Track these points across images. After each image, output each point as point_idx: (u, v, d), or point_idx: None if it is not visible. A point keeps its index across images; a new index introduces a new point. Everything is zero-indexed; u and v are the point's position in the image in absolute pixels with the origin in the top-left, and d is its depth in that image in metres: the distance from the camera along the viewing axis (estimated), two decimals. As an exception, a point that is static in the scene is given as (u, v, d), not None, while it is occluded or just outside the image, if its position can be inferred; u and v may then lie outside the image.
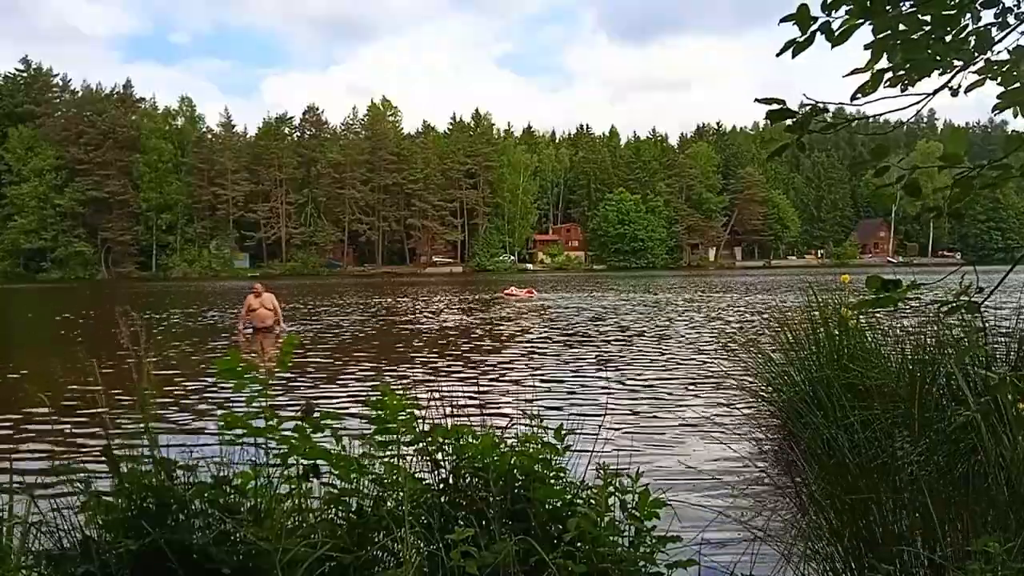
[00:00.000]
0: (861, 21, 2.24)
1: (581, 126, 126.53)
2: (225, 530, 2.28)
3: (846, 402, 3.77)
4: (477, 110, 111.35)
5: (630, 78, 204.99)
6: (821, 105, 2.22)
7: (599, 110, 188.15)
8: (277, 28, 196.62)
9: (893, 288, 2.12)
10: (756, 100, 2.18)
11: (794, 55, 2.29)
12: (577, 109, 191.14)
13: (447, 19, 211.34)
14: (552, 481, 2.52)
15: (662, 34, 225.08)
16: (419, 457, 2.61)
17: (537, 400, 7.63)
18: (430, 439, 2.60)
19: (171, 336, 15.55)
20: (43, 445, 6.02)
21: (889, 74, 2.36)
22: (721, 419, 6.58)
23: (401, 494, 2.39)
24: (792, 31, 2.28)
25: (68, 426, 6.55)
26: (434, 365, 10.96)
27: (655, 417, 7.01)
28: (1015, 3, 2.38)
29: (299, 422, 2.49)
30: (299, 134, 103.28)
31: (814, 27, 2.22)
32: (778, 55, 2.30)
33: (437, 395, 2.97)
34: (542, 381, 9.22)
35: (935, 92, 2.40)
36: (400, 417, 2.57)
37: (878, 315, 5.30)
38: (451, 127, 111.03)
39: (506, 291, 32.17)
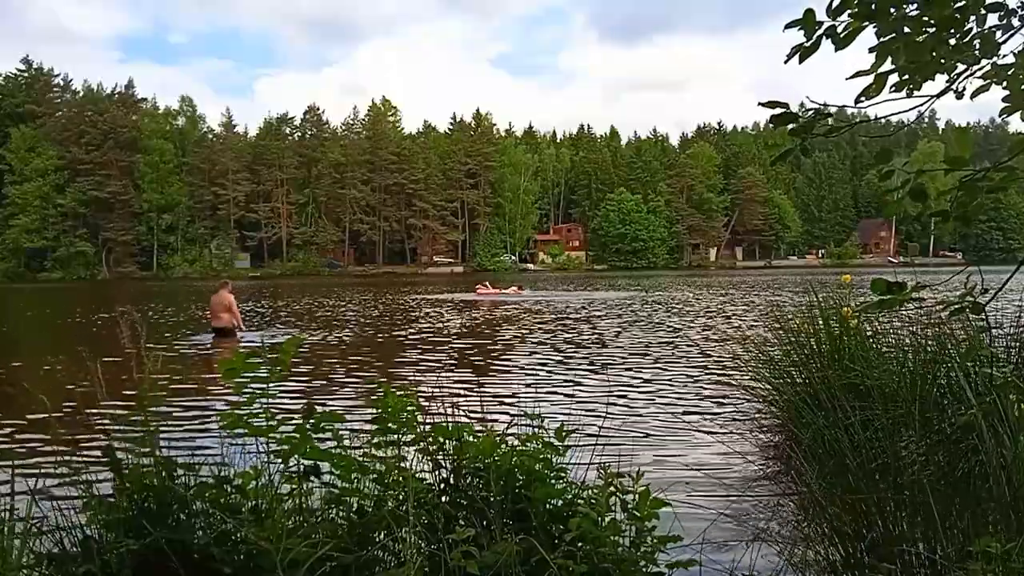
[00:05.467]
0: (865, 24, 2.23)
1: (582, 126, 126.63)
2: (226, 530, 2.28)
3: (847, 402, 3.76)
4: (478, 110, 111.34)
5: (629, 78, 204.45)
6: (824, 108, 2.21)
7: (599, 110, 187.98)
8: (274, 29, 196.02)
9: (898, 290, 2.11)
10: (759, 104, 2.17)
11: (801, 60, 2.28)
12: (577, 109, 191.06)
13: (445, 20, 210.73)
14: (553, 481, 2.51)
15: (659, 34, 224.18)
16: (420, 457, 2.61)
17: (538, 400, 7.63)
18: (431, 439, 2.60)
19: (172, 335, 15.55)
20: (44, 445, 6.03)
21: (894, 77, 2.35)
22: (722, 419, 6.59)
23: (402, 494, 2.39)
24: (796, 34, 2.27)
25: (69, 426, 6.56)
26: (434, 365, 10.96)
27: (656, 417, 7.01)
28: (1019, 4, 2.36)
29: (300, 422, 2.49)
30: (300, 134, 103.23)
31: (820, 32, 2.21)
32: (786, 62, 2.29)
33: (437, 394, 2.97)
34: (542, 381, 9.21)
35: (939, 95, 2.39)
36: (401, 417, 2.57)
37: (880, 316, 5.30)
38: (452, 127, 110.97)
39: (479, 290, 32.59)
